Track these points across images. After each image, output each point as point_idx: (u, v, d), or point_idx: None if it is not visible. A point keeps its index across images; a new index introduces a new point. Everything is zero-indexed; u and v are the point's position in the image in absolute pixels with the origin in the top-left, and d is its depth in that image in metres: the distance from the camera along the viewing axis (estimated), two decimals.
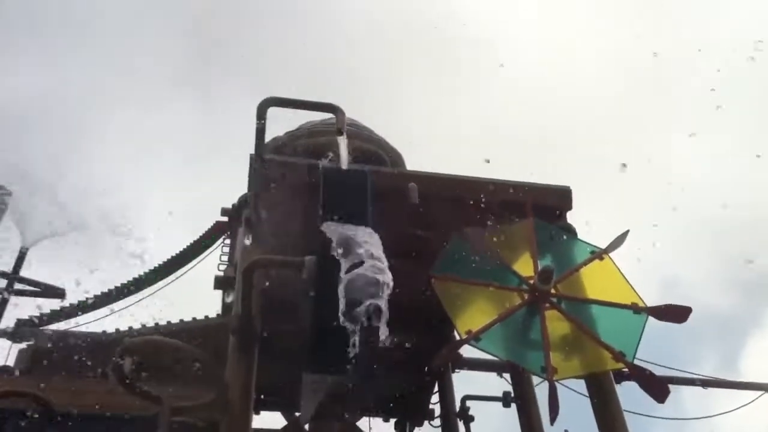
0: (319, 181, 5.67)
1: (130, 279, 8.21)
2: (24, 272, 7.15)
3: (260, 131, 5.72)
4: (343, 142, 5.57)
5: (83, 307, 7.90)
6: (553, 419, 5.21)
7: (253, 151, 6.03)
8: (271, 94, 5.63)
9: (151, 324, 7.42)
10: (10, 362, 6.99)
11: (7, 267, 7.10)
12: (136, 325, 7.31)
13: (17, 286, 7.11)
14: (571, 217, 6.58)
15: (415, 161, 7.97)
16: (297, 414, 8.28)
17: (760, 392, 7.97)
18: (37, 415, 5.89)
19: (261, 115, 5.65)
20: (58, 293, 7.40)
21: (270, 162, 6.06)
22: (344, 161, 5.49)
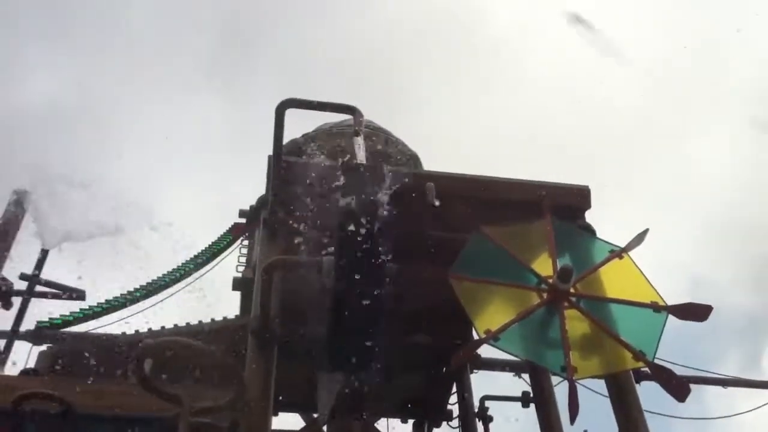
0: (338, 181, 5.69)
1: (150, 281, 8.26)
2: (44, 274, 7.23)
3: (278, 133, 5.74)
4: (360, 143, 5.58)
5: (104, 309, 7.96)
6: (573, 418, 5.19)
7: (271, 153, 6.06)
8: (295, 93, 5.66)
9: (170, 326, 7.48)
10: (31, 364, 7.05)
11: (28, 269, 7.17)
12: (156, 327, 7.36)
13: (38, 288, 7.18)
14: (591, 217, 6.57)
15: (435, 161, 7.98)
16: (315, 415, 8.30)
17: None
18: (58, 417, 5.93)
19: (279, 116, 5.68)
20: (78, 295, 7.45)
21: (288, 164, 6.08)
22: (362, 161, 5.50)
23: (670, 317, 5.61)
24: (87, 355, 6.89)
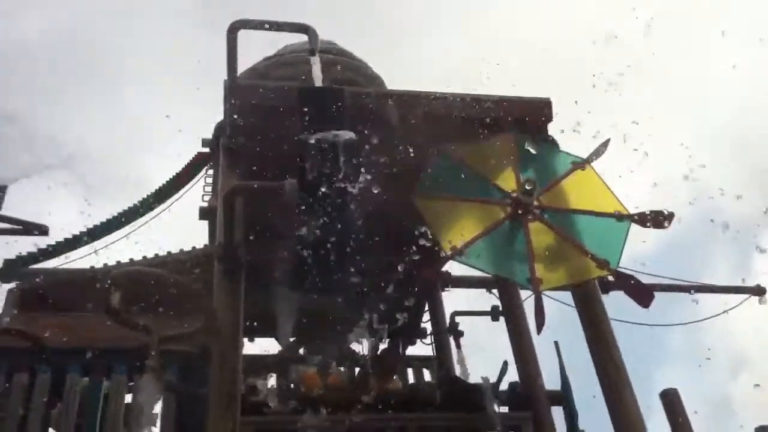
0: (295, 103, 5.59)
1: (115, 214, 8.15)
2: (5, 211, 7.12)
3: (231, 56, 5.63)
4: (316, 62, 5.48)
5: (70, 244, 7.87)
6: (539, 329, 5.27)
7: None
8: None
9: (138, 258, 7.43)
10: (1, 302, 7.00)
11: None
12: (124, 260, 7.31)
13: None
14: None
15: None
16: (291, 339, 8.37)
17: (746, 296, 8.04)
18: (29, 352, 5.94)
19: (231, 39, 5.55)
20: (41, 230, 7.35)
21: (243, 87, 5.98)
22: (318, 81, 5.41)
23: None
24: (57, 290, 6.86)
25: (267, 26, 5.56)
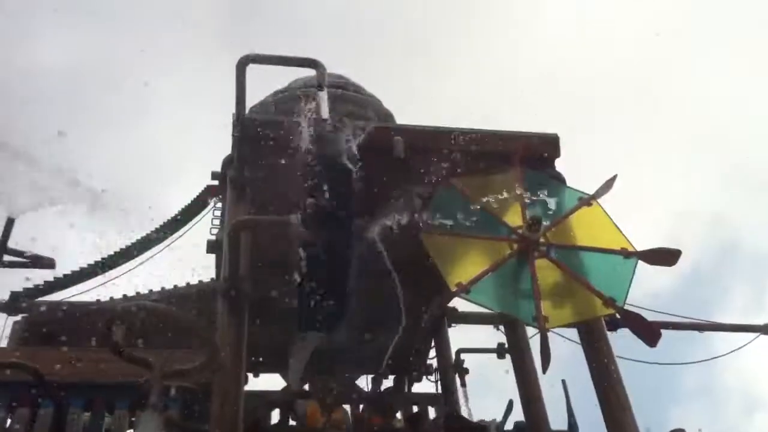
0: (301, 140, 5.61)
1: (123, 247, 8.14)
2: (12, 243, 7.13)
3: (240, 90, 5.64)
4: (323, 97, 5.48)
5: (77, 277, 7.87)
6: (545, 368, 5.19)
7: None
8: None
9: (144, 291, 7.41)
10: (6, 335, 6.98)
11: None
12: (131, 293, 7.29)
13: (4, 257, 7.08)
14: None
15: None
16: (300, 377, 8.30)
17: (756, 334, 7.96)
18: (31, 386, 5.91)
19: (240, 73, 5.56)
20: (47, 264, 7.36)
21: (250, 121, 5.99)
22: (325, 116, 5.42)
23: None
24: (62, 323, 6.85)
25: (275, 61, 5.57)
